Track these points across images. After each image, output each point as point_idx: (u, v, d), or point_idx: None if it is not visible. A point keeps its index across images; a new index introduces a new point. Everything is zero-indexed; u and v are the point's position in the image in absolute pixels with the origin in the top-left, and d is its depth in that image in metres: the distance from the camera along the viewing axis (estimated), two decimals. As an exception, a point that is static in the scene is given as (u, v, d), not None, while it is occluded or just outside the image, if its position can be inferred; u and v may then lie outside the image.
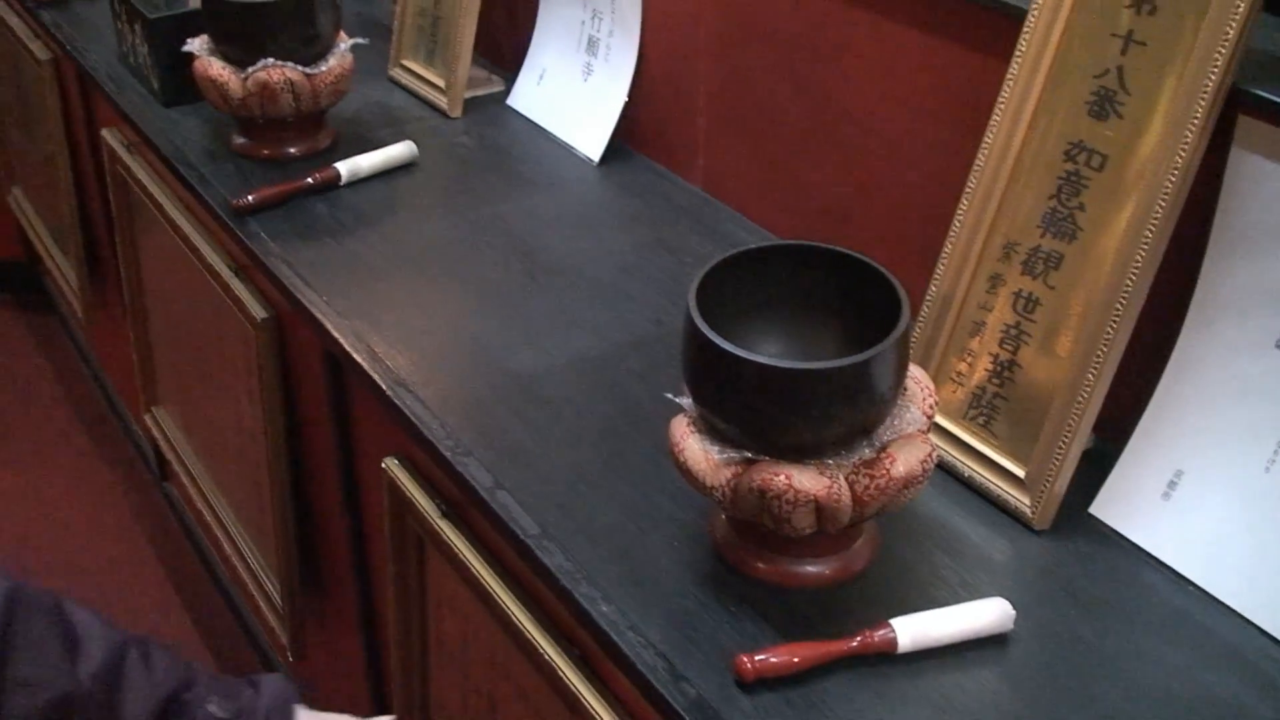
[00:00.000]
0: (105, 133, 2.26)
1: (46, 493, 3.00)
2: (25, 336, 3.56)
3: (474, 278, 1.64)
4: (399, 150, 1.88)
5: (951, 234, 1.30)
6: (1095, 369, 1.18)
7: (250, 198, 1.74)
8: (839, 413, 1.03)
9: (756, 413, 1.04)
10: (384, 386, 1.43)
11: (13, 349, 3.50)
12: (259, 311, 1.75)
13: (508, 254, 1.68)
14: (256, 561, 2.11)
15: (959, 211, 1.29)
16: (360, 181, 1.84)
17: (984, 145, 1.27)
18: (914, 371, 1.15)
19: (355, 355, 1.48)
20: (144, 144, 2.05)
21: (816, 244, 1.16)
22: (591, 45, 1.93)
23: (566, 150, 1.94)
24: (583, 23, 1.95)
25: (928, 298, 1.32)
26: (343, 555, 1.83)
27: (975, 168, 1.28)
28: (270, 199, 1.76)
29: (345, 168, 1.82)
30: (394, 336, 1.52)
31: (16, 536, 2.84)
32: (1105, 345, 1.17)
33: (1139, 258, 1.15)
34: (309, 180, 1.80)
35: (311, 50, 1.80)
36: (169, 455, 2.47)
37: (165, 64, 2.02)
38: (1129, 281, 1.15)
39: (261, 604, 2.11)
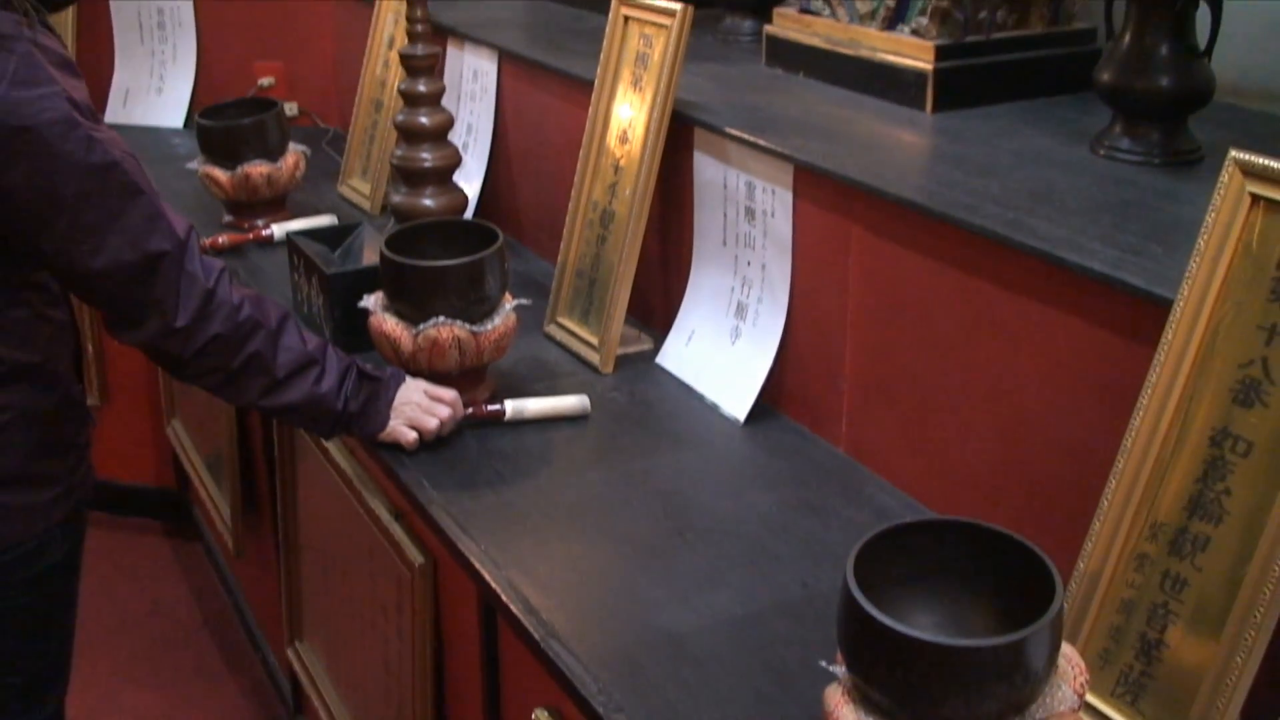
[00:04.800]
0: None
1: (181, 718, 3.06)
2: (170, 563, 3.68)
3: (624, 532, 1.70)
4: (571, 402, 1.99)
5: (1099, 512, 1.33)
6: (1244, 651, 1.19)
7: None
8: (994, 689, 1.06)
9: (913, 686, 1.07)
10: (538, 638, 1.48)
11: (157, 574, 3.62)
12: (416, 556, 1.83)
13: (656, 510, 1.74)
14: (392, 801, 2.14)
15: (1106, 490, 1.33)
16: (519, 431, 1.93)
17: (1130, 428, 1.31)
18: (1065, 649, 1.17)
19: (511, 606, 1.54)
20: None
21: (970, 521, 1.20)
22: (740, 310, 2.03)
23: (713, 409, 2.01)
24: (732, 289, 2.04)
25: (1075, 573, 1.35)
26: (482, 801, 1.85)
27: (1122, 449, 1.32)
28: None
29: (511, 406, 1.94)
30: (548, 588, 1.57)
31: (152, 762, 2.91)
32: (1254, 628, 1.19)
33: (1288, 544, 1.17)
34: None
35: (480, 310, 1.91)
36: (309, 690, 2.52)
37: (339, 315, 2.16)
38: (1278, 565, 1.17)
39: (394, 845, 2.13)
